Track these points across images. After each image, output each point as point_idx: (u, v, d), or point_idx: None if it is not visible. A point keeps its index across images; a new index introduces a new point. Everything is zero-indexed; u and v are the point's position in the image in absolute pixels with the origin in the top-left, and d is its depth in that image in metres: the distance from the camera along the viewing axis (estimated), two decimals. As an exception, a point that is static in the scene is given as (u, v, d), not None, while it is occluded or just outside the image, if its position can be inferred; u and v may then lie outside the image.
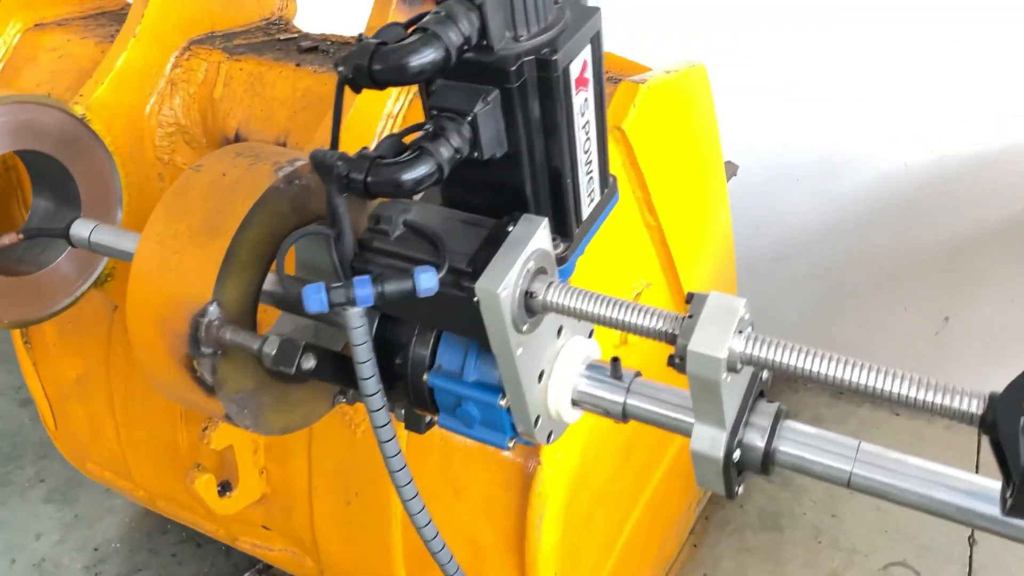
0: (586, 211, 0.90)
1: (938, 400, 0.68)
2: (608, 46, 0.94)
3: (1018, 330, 2.37)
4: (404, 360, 0.95)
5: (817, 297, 2.61)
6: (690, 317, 0.74)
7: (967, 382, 2.18)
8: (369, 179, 0.72)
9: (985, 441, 2.29)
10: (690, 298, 0.75)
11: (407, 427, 1.10)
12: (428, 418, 1.09)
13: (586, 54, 0.81)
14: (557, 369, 0.91)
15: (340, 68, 0.70)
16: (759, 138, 2.45)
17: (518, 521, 1.32)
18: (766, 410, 0.84)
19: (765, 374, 0.85)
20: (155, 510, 1.91)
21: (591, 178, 0.89)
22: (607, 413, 0.92)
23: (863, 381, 0.70)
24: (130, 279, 0.99)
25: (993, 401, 0.66)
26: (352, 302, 0.76)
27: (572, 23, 0.80)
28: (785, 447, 0.83)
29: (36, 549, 2.11)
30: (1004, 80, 2.13)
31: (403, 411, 1.08)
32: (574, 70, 0.79)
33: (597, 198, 0.92)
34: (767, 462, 0.83)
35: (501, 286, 0.77)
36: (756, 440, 0.83)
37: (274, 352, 0.90)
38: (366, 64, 0.70)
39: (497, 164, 0.81)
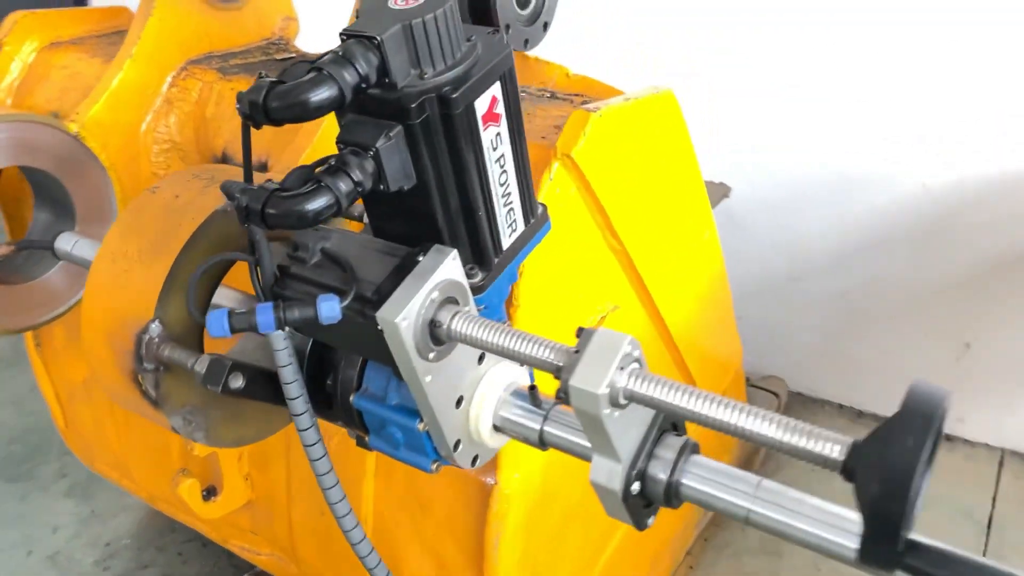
0: (507, 241, 0.91)
1: (803, 444, 0.68)
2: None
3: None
4: (335, 382, 0.98)
5: (835, 318, 2.56)
6: (576, 352, 0.75)
7: (989, 411, 2.14)
8: (268, 210, 0.75)
9: (1004, 473, 2.24)
10: (579, 333, 0.76)
11: (357, 444, 1.13)
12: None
13: (495, 90, 0.82)
14: (478, 395, 0.93)
15: (238, 105, 0.74)
16: (773, 156, 2.43)
17: (479, 539, 1.34)
18: (672, 444, 0.84)
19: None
20: (158, 507, 1.98)
21: (510, 210, 0.90)
22: (526, 440, 0.94)
23: (733, 421, 0.70)
24: (84, 295, 1.04)
25: (855, 448, 0.66)
26: (254, 328, 0.79)
27: (482, 60, 0.82)
28: (688, 480, 0.83)
29: (52, 542, 2.20)
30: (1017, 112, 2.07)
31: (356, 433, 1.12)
32: (480, 106, 0.81)
33: (520, 228, 0.93)
34: (670, 495, 0.84)
35: (401, 316, 0.79)
36: (659, 473, 0.83)
37: (203, 371, 0.94)
38: (261, 102, 0.73)
39: (409, 196, 0.83)
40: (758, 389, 2.54)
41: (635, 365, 0.75)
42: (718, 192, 1.94)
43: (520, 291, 1.14)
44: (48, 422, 2.53)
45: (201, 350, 1.03)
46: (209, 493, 1.61)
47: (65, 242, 1.31)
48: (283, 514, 1.61)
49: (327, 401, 1.01)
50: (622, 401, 0.75)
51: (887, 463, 0.61)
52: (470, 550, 1.36)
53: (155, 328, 0.98)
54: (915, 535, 0.67)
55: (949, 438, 2.52)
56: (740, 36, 2.32)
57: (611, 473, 0.81)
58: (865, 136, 2.28)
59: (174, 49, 1.55)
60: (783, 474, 2.37)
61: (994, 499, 2.29)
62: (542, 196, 1.12)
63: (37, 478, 2.41)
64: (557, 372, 0.76)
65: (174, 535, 2.20)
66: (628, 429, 0.80)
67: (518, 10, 1.30)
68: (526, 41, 1.34)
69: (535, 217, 0.95)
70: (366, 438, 1.04)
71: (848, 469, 0.65)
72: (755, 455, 2.38)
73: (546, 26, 1.36)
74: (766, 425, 0.69)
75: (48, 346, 1.84)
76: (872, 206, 2.36)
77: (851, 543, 0.76)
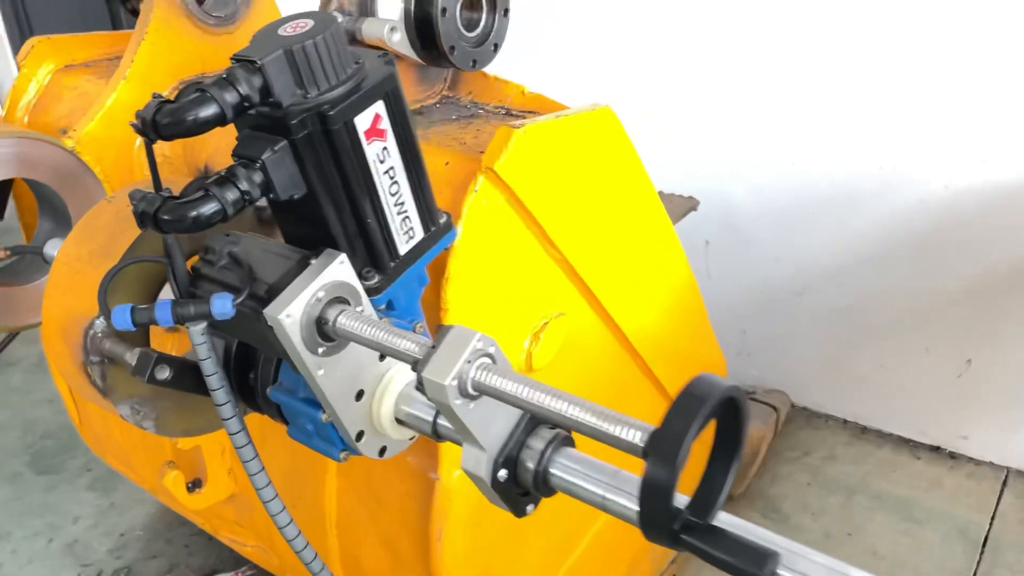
0: (404, 247, 0.99)
1: (610, 429, 0.73)
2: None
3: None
4: (255, 376, 1.07)
5: (837, 332, 2.56)
6: (433, 347, 0.82)
7: (993, 428, 2.13)
8: (161, 215, 0.84)
9: (1007, 493, 2.25)
10: (438, 329, 0.83)
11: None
12: (319, 430, 1.20)
13: (378, 108, 0.90)
14: (379, 390, 1.01)
15: (132, 123, 0.83)
16: (776, 172, 2.45)
17: (427, 532, 1.41)
18: (544, 436, 0.90)
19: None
20: (163, 501, 2.10)
21: (405, 218, 0.98)
22: (424, 432, 1.01)
23: (553, 408, 0.76)
24: (44, 293, 1.15)
25: (652, 434, 0.71)
26: (154, 322, 0.88)
27: (368, 80, 0.90)
28: (555, 470, 0.89)
29: (71, 531, 2.34)
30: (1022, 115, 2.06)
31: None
32: (362, 123, 0.89)
33: (419, 235, 1.00)
34: (538, 483, 0.90)
35: (285, 312, 0.87)
36: (528, 462, 0.89)
37: (134, 363, 1.03)
38: (151, 119, 0.82)
39: (302, 204, 0.91)
40: (758, 402, 2.55)
41: (485, 359, 0.82)
42: (684, 205, 1.97)
43: (448, 295, 1.21)
44: (78, 420, 2.69)
45: (147, 346, 1.13)
46: (194, 485, 1.71)
47: (52, 247, 1.43)
48: (262, 508, 1.70)
49: (252, 397, 1.10)
50: (471, 392, 0.81)
51: (658, 444, 0.66)
52: (420, 542, 1.43)
53: (99, 324, 1.08)
54: (719, 521, 0.71)
55: (953, 455, 2.49)
56: (741, 51, 2.36)
57: (477, 460, 0.87)
58: (865, 151, 2.30)
59: (166, 71, 1.67)
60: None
61: (992, 518, 2.26)
62: (467, 206, 1.19)
63: (64, 471, 2.56)
64: (415, 365, 0.82)
65: (183, 528, 2.33)
66: (491, 420, 0.86)
67: (465, 32, 1.38)
68: (474, 61, 1.41)
69: (436, 225, 1.02)
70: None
71: (645, 453, 0.70)
72: (748, 468, 2.40)
73: (496, 47, 1.44)
74: (579, 412, 0.75)
75: (52, 366, 1.97)
76: (872, 221, 2.37)
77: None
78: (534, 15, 2.46)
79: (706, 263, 2.68)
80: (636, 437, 0.71)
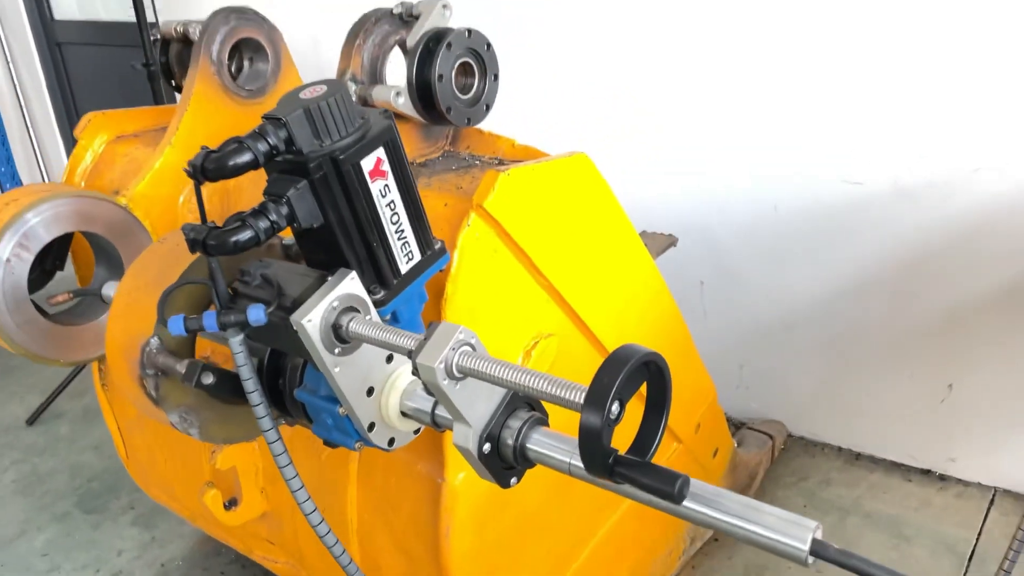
0: (404, 267, 1.20)
1: (557, 392, 0.92)
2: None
3: (1020, 398, 2.41)
4: (284, 380, 1.27)
5: (827, 364, 2.72)
6: (425, 339, 1.02)
7: (978, 450, 2.29)
8: (208, 241, 1.06)
9: (993, 510, 2.45)
10: (428, 326, 1.03)
11: (325, 443, 1.41)
12: (340, 438, 1.40)
13: (379, 153, 1.12)
14: (387, 387, 1.20)
15: (185, 168, 1.05)
16: (761, 213, 2.65)
17: (436, 532, 1.59)
18: (521, 416, 1.09)
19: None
20: (200, 528, 2.28)
21: (405, 243, 1.19)
22: (425, 423, 1.20)
23: (518, 381, 0.95)
24: (108, 319, 1.37)
25: (587, 392, 0.89)
26: (202, 328, 1.09)
27: (371, 130, 1.12)
28: (531, 444, 1.07)
29: (116, 563, 2.53)
30: (988, 151, 2.25)
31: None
32: (367, 165, 1.11)
33: (417, 257, 1.21)
34: (517, 455, 1.08)
35: (307, 318, 1.08)
36: (508, 439, 1.08)
37: (183, 371, 1.24)
38: (200, 164, 1.04)
39: (320, 232, 1.13)
40: (755, 431, 2.71)
41: (467, 348, 1.01)
42: (663, 242, 2.17)
43: (447, 315, 1.41)
44: (121, 463, 2.91)
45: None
46: (231, 503, 1.90)
47: (109, 289, 1.66)
48: (290, 521, 1.89)
49: (282, 400, 1.30)
50: (456, 374, 1.00)
51: (590, 398, 0.84)
52: (431, 541, 1.61)
53: (154, 342, 1.30)
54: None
55: (942, 477, 2.62)
56: (724, 90, 2.58)
57: (466, 435, 1.06)
58: (841, 196, 2.49)
59: (205, 137, 1.91)
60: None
61: (979, 534, 2.38)
62: (461, 238, 1.40)
63: (108, 511, 2.76)
64: (410, 355, 1.02)
65: (219, 558, 2.51)
66: (475, 400, 1.05)
67: (459, 95, 1.61)
68: (468, 119, 1.64)
69: (432, 250, 1.24)
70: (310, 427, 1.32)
71: (582, 407, 0.88)
72: (747, 489, 2.54)
73: (488, 107, 1.67)
74: (537, 381, 0.94)
75: (113, 386, 2.19)
76: (851, 258, 2.55)
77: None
78: (535, 16, 2.70)
79: (702, 302, 2.87)
80: (577, 396, 0.90)
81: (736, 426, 2.80)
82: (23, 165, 4.96)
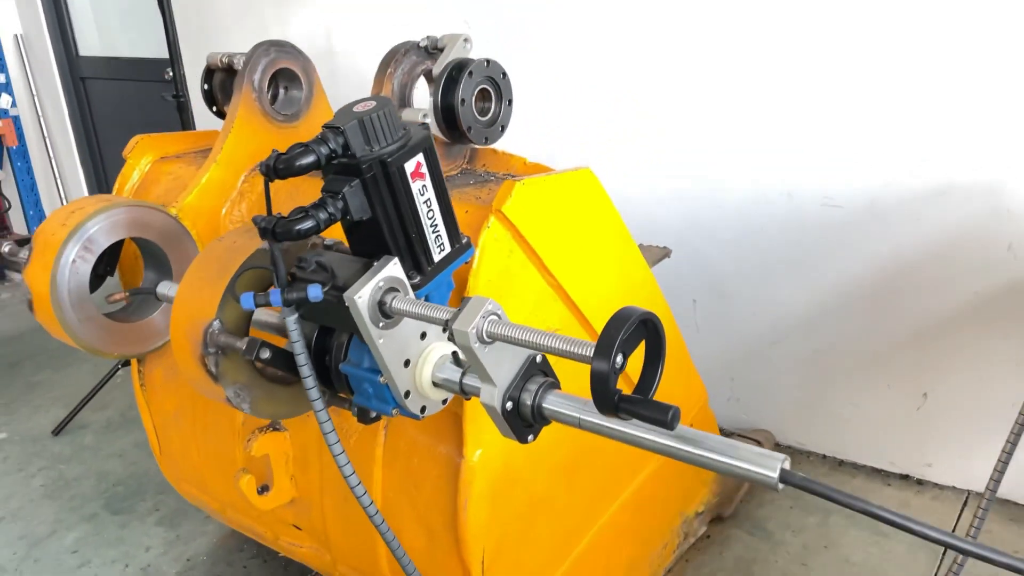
0: (437, 256, 1.40)
1: (571, 348, 1.11)
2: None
3: (990, 405, 2.60)
4: (330, 357, 1.46)
5: (811, 376, 2.92)
6: (459, 311, 1.22)
7: (952, 456, 2.50)
8: (276, 229, 1.26)
9: (966, 511, 2.68)
10: (462, 301, 1.23)
11: (359, 420, 1.60)
12: (373, 413, 1.59)
13: (419, 158, 1.33)
14: (421, 360, 1.39)
15: (259, 167, 1.26)
16: (751, 232, 2.86)
17: (455, 506, 1.77)
18: (538, 380, 1.28)
19: (540, 358, 1.30)
20: (226, 520, 2.45)
21: (438, 235, 1.39)
22: (453, 390, 1.39)
23: (536, 340, 1.14)
24: (173, 306, 1.56)
25: (596, 346, 1.08)
26: (268, 303, 1.29)
27: (412, 139, 1.33)
28: (546, 403, 1.26)
29: (144, 558, 2.69)
30: (954, 177, 2.47)
31: (356, 409, 1.59)
32: (409, 167, 1.31)
33: (447, 249, 1.42)
34: (534, 412, 1.27)
35: (358, 295, 1.27)
36: (527, 399, 1.27)
37: (244, 347, 1.43)
38: (272, 164, 1.25)
39: (368, 224, 1.33)
40: (744, 438, 2.89)
41: (494, 316, 1.21)
42: (658, 253, 2.38)
43: (469, 306, 1.61)
44: (145, 469, 3.09)
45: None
46: (263, 489, 2.08)
47: (164, 288, 1.85)
48: (318, 506, 2.06)
49: (327, 375, 1.49)
50: (486, 338, 1.20)
51: (598, 349, 1.04)
52: (450, 516, 1.78)
53: (216, 324, 1.49)
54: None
55: (920, 482, 2.80)
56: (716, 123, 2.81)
57: (491, 394, 1.25)
58: (823, 215, 2.70)
59: (246, 156, 2.12)
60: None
61: (952, 531, 2.56)
62: (483, 238, 1.61)
63: (135, 512, 2.92)
64: (446, 324, 1.22)
65: (241, 554, 2.67)
66: (501, 363, 1.24)
67: (479, 117, 1.83)
68: (486, 138, 1.86)
69: (459, 243, 1.44)
70: (375, 413, 1.50)
71: (592, 358, 1.08)
72: (736, 492, 2.72)
73: (503, 128, 1.88)
74: (554, 340, 1.13)
75: (149, 385, 2.38)
76: (833, 274, 2.76)
77: (629, 429, 1.17)
78: (538, 19, 2.91)
79: (695, 318, 3.07)
80: (588, 351, 1.10)
81: (727, 434, 2.98)
82: (44, 192, 5.17)
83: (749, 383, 3.06)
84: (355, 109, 1.31)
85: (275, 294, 1.29)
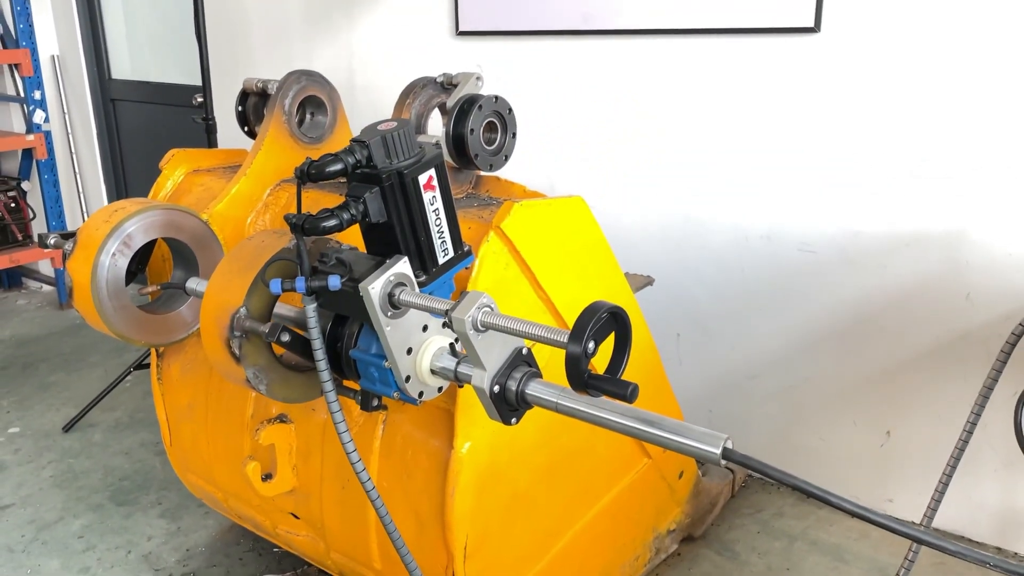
0: (441, 259, 1.60)
1: (550, 336, 1.31)
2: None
3: (948, 445, 2.78)
4: (342, 344, 1.66)
5: (784, 410, 3.10)
6: (457, 302, 1.41)
7: (913, 492, 2.70)
8: (305, 225, 1.47)
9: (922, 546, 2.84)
10: (461, 294, 1.43)
11: (361, 407, 1.79)
12: (375, 401, 1.78)
13: (431, 172, 1.54)
14: (422, 349, 1.59)
15: (295, 171, 1.47)
16: (732, 273, 3.06)
17: (443, 493, 1.95)
18: (522, 369, 1.47)
19: (525, 351, 1.49)
20: (228, 510, 2.62)
21: (443, 240, 1.60)
22: (448, 377, 1.58)
23: (520, 328, 1.34)
24: (204, 295, 1.76)
25: (570, 332, 1.27)
26: (294, 289, 1.49)
27: (426, 156, 1.54)
28: (529, 389, 1.45)
29: (146, 547, 2.84)
30: (914, 230, 2.68)
31: (359, 396, 1.78)
32: (422, 180, 1.52)
33: (451, 254, 1.62)
34: (519, 397, 1.46)
35: (372, 286, 1.47)
36: (512, 385, 1.46)
37: (267, 330, 1.63)
38: (306, 170, 1.46)
39: (383, 227, 1.54)
40: (718, 466, 3.06)
41: (487, 308, 1.41)
42: (642, 281, 2.58)
43: (466, 310, 1.81)
44: (150, 466, 3.26)
45: (269, 329, 1.73)
46: (267, 477, 2.25)
47: (193, 283, 2.06)
48: (316, 495, 2.23)
49: (338, 362, 1.68)
50: (480, 327, 1.39)
51: (572, 334, 1.23)
52: (438, 504, 1.96)
53: (243, 311, 1.69)
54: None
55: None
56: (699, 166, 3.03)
57: (482, 378, 1.44)
58: (798, 259, 2.91)
59: (273, 172, 2.34)
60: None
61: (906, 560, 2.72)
62: (482, 250, 1.81)
63: (139, 504, 3.09)
64: (446, 314, 1.42)
65: (238, 547, 2.83)
66: (491, 351, 1.43)
67: (486, 146, 2.05)
68: (491, 165, 2.08)
69: (461, 250, 1.64)
70: (376, 401, 1.69)
71: (566, 343, 1.27)
72: (707, 515, 2.89)
73: (507, 157, 2.10)
74: (535, 329, 1.33)
75: (166, 379, 2.57)
76: (806, 315, 2.96)
77: (606, 414, 1.36)
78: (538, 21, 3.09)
79: (678, 352, 3.26)
80: (564, 337, 1.29)
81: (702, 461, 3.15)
82: (67, 205, 5.40)
83: (727, 414, 3.24)
84: (379, 128, 1.53)
85: (300, 281, 1.49)
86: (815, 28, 2.68)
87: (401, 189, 1.51)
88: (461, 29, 3.45)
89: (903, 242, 2.69)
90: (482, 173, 2.22)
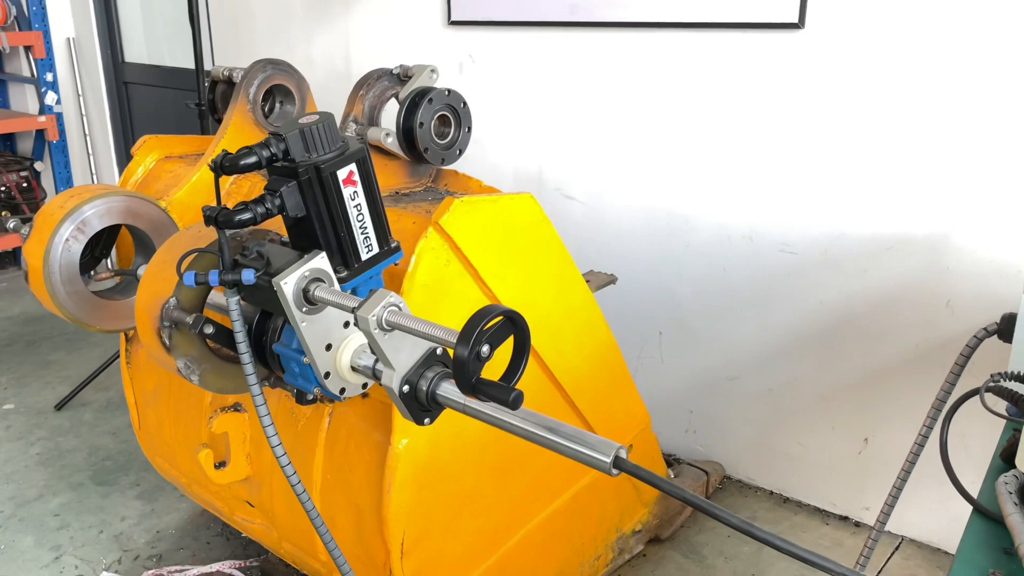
0: (364, 255, 1.59)
1: (444, 336, 1.28)
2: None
3: (925, 454, 2.70)
4: (267, 338, 1.65)
5: (763, 413, 3.05)
6: (365, 300, 1.40)
7: (884, 497, 2.61)
8: (219, 218, 1.46)
9: (897, 555, 2.86)
10: (371, 293, 1.41)
11: (297, 400, 1.78)
12: (310, 396, 1.77)
13: (352, 167, 1.52)
14: (342, 346, 1.58)
15: (208, 164, 1.46)
16: (715, 273, 3.01)
17: (381, 488, 1.94)
18: (436, 369, 1.45)
19: (440, 351, 1.47)
20: (192, 495, 2.64)
21: (366, 236, 1.58)
22: (366, 376, 1.56)
23: (422, 329, 1.32)
24: (139, 285, 1.76)
25: (460, 334, 1.25)
26: (207, 282, 1.48)
27: (348, 150, 1.52)
28: (439, 391, 1.43)
29: (119, 527, 2.88)
30: (896, 234, 2.61)
31: (295, 390, 1.77)
32: (341, 174, 1.51)
33: (375, 250, 1.60)
34: (429, 399, 1.44)
35: (284, 281, 1.46)
36: (423, 385, 1.44)
37: (191, 321, 1.63)
38: (220, 162, 1.45)
39: (303, 221, 1.52)
40: (691, 466, 3.03)
41: (394, 307, 1.39)
42: (604, 279, 2.54)
43: (402, 306, 1.79)
44: (134, 447, 3.29)
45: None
46: (220, 464, 2.26)
47: (142, 270, 2.06)
48: (267, 484, 2.24)
49: (264, 355, 1.67)
50: (385, 326, 1.38)
51: (460, 337, 1.21)
52: (376, 498, 1.95)
53: (172, 301, 1.69)
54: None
55: (857, 524, 2.91)
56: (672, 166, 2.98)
57: (390, 377, 1.42)
58: (780, 261, 2.85)
59: (236, 160, 2.34)
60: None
61: (879, 573, 2.66)
62: (419, 247, 1.79)
63: (117, 484, 3.13)
64: (353, 311, 1.40)
65: (207, 531, 2.85)
66: (399, 350, 1.41)
67: (437, 140, 2.03)
68: (443, 159, 2.05)
69: (388, 246, 1.63)
70: (311, 396, 1.69)
71: (456, 345, 1.25)
72: (676, 517, 2.85)
73: (460, 151, 2.08)
74: (433, 329, 1.30)
75: (134, 363, 2.59)
76: (788, 317, 2.90)
77: (507, 417, 1.34)
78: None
79: (660, 351, 3.22)
80: (452, 337, 1.27)
81: (676, 462, 3.11)
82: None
83: (706, 416, 3.19)
84: (300, 121, 1.51)
85: (213, 274, 1.49)
86: (799, 24, 2.61)
87: (319, 183, 1.50)
88: (453, 18, 3.42)
89: (885, 245, 2.62)
90: (442, 167, 2.20)
